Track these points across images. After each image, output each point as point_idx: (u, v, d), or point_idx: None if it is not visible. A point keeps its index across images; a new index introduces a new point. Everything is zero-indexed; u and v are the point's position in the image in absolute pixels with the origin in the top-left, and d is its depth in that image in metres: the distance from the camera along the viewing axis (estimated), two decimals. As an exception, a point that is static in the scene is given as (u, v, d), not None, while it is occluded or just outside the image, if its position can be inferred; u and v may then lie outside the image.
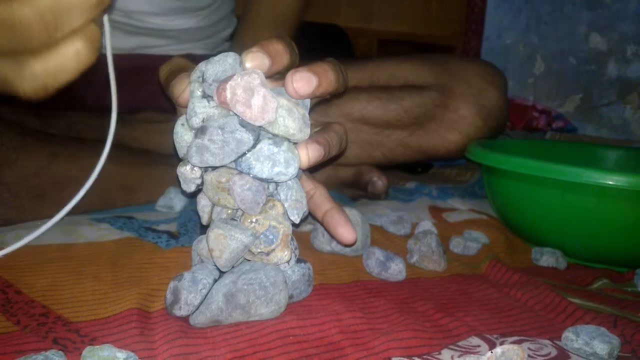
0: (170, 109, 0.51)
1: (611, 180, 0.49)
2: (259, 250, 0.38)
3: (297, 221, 0.39)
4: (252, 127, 0.37)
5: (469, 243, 0.55)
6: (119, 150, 0.55)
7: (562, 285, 0.48)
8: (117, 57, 0.48)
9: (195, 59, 0.43)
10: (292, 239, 0.40)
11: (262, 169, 0.36)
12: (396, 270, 0.46)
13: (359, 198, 0.71)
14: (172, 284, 0.36)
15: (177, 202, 0.60)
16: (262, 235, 0.38)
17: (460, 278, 0.48)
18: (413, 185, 0.80)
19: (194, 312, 0.36)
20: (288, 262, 0.39)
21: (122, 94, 0.46)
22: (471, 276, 0.49)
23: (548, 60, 1.59)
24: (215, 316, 0.35)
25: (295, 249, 0.40)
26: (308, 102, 0.40)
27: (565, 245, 0.55)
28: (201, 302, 0.36)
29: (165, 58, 0.50)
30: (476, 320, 0.40)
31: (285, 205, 0.39)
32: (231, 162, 0.37)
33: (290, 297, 0.39)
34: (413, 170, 0.92)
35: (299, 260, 0.40)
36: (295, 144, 0.38)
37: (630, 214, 0.50)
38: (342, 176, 0.71)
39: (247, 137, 0.36)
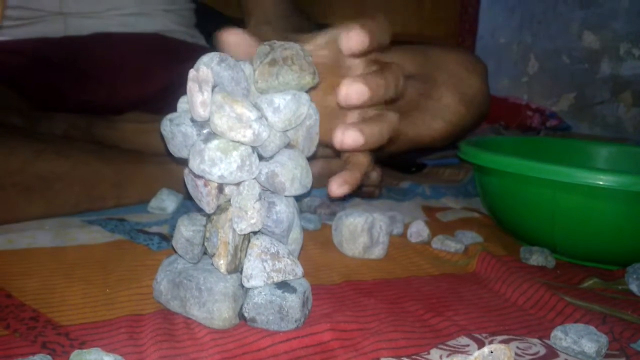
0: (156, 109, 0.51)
1: (601, 180, 0.49)
2: (210, 250, 0.37)
3: (241, 232, 0.36)
4: (202, 122, 0.36)
5: (460, 239, 0.56)
6: (107, 149, 0.54)
7: (552, 283, 0.48)
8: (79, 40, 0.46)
9: (168, 41, 0.42)
10: (253, 251, 0.36)
11: (193, 164, 0.35)
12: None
13: (352, 197, 0.71)
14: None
15: (170, 204, 0.60)
16: (212, 237, 0.36)
17: (451, 277, 0.48)
18: (407, 185, 0.80)
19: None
20: (229, 273, 0.36)
21: (101, 86, 0.44)
22: (462, 275, 0.49)
23: (542, 59, 1.59)
24: (158, 296, 0.38)
25: (263, 261, 0.36)
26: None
27: (557, 243, 0.55)
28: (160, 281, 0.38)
29: (130, 36, 0.48)
30: (465, 320, 0.40)
31: (231, 211, 0.36)
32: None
33: (252, 320, 0.36)
34: (407, 170, 0.92)
35: (281, 286, 0.36)
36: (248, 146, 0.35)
37: (621, 214, 0.51)
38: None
39: (191, 132, 0.36)
